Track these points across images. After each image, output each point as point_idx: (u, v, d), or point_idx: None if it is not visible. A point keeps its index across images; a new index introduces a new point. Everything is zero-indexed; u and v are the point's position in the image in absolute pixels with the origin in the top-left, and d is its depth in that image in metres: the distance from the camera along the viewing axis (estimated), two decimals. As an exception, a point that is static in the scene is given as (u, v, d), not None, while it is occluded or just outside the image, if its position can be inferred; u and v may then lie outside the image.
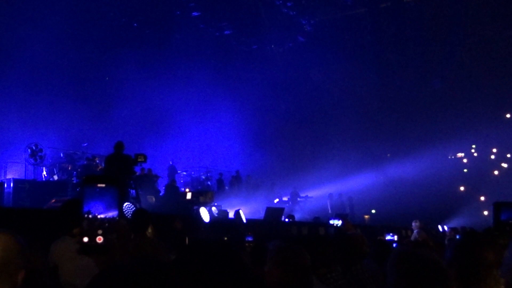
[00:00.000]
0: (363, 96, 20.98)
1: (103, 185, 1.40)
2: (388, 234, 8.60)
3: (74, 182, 12.12)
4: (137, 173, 11.71)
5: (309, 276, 2.58)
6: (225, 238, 6.58)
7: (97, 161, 12.88)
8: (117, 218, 1.39)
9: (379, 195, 18.71)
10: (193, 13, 18.43)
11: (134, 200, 9.15)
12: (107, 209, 1.39)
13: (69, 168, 12.86)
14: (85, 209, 1.38)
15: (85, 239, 1.36)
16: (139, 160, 9.07)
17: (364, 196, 18.87)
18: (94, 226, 1.36)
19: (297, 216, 14.59)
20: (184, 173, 17.96)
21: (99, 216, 1.37)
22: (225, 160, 19.32)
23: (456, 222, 17.78)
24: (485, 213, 19.91)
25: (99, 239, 1.36)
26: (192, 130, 18.21)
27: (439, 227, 14.88)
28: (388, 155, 22.16)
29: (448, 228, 14.85)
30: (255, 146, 19.68)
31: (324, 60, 20.27)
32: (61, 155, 13.53)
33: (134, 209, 7.03)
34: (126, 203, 7.87)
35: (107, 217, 1.37)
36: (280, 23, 19.13)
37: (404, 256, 1.89)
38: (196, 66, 18.83)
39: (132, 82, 17.04)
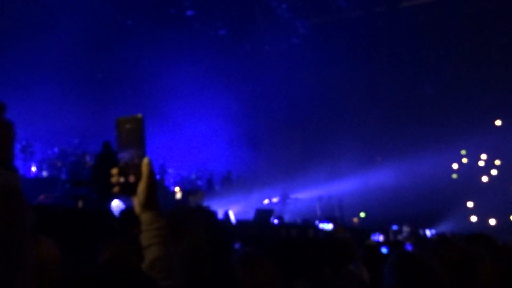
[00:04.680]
0: (355, 100, 21.07)
1: (131, 126, 1.42)
2: (375, 234, 8.58)
3: (63, 178, 12.04)
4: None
5: (274, 283, 2.53)
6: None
7: (87, 158, 12.82)
8: (143, 158, 1.41)
9: (369, 198, 18.79)
10: (188, 12, 18.41)
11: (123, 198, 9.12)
12: (135, 149, 1.40)
13: (59, 165, 12.78)
14: (117, 151, 1.40)
15: (121, 179, 1.38)
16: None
17: (353, 199, 18.92)
18: (127, 166, 1.39)
19: (287, 218, 14.61)
20: (170, 170, 17.78)
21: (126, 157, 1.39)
22: (216, 160, 19.28)
23: (443, 227, 17.94)
24: (473, 219, 20.09)
25: (131, 178, 1.38)
26: (184, 128, 18.17)
27: (427, 231, 14.98)
28: (379, 158, 22.25)
29: (432, 233, 14.97)
30: (246, 146, 19.68)
31: (317, 63, 20.33)
32: (51, 151, 13.44)
33: (123, 208, 7.00)
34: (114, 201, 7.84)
35: (134, 157, 1.40)
36: (275, 24, 19.16)
37: (406, 259, 1.89)
38: (190, 65, 18.79)
39: (126, 79, 17.00)
